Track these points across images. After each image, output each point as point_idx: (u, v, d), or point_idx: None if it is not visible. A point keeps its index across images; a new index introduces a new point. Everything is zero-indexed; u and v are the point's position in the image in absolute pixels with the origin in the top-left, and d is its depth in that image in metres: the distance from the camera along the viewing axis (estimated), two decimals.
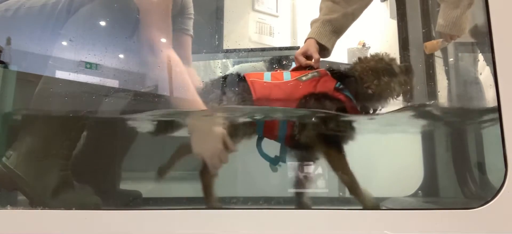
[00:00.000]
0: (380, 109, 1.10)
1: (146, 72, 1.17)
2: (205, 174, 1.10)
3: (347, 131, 1.11)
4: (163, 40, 1.12)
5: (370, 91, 1.05)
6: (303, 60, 1.17)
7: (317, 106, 1.06)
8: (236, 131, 1.11)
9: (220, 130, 1.08)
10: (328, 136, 1.10)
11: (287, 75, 1.12)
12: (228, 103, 1.10)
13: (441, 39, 1.21)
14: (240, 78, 1.11)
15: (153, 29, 1.11)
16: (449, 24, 1.15)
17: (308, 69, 1.15)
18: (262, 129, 1.13)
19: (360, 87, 1.06)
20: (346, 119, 1.10)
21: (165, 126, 1.24)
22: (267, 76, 1.12)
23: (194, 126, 1.13)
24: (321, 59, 1.20)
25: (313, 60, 1.16)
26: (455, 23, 1.14)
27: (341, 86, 1.07)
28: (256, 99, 1.06)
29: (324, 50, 1.20)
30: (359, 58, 1.12)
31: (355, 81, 1.07)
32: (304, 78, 1.10)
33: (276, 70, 1.48)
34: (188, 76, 1.11)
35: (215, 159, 1.07)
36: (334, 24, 1.19)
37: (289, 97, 1.07)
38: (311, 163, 1.22)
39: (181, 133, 1.25)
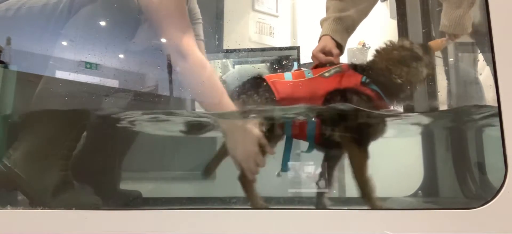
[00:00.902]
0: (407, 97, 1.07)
1: (176, 77, 1.13)
2: (244, 178, 1.07)
3: (379, 126, 1.07)
4: (189, 40, 1.04)
5: (399, 80, 1.01)
6: (322, 56, 1.13)
7: (344, 102, 1.03)
8: (264, 134, 1.08)
9: (255, 131, 1.02)
10: (358, 134, 1.06)
11: (308, 74, 1.09)
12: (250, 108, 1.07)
13: (445, 38, 1.21)
14: (260, 81, 1.08)
15: (175, 31, 1.04)
16: (452, 24, 1.14)
17: (328, 66, 1.11)
18: (291, 129, 1.11)
19: (387, 79, 1.03)
20: (376, 114, 1.06)
21: (196, 127, 1.23)
22: (288, 76, 1.10)
23: (228, 128, 1.07)
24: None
25: (333, 56, 1.13)
26: (458, 23, 1.14)
27: (367, 80, 1.03)
28: (279, 99, 1.04)
29: (337, 48, 1.19)
30: (377, 51, 1.08)
31: (381, 73, 1.04)
32: (327, 74, 1.06)
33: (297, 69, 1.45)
34: (217, 77, 1.06)
35: (250, 163, 1.02)
36: (345, 22, 1.18)
37: (314, 94, 1.04)
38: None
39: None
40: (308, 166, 1.40)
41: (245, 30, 2.11)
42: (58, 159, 1.08)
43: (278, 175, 1.12)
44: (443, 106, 1.33)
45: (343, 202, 1.38)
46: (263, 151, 1.02)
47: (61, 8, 1.11)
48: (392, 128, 1.20)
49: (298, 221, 0.79)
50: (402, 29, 1.53)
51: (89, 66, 1.10)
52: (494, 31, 0.77)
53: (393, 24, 1.61)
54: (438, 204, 1.51)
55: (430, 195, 1.46)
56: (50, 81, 1.10)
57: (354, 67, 1.08)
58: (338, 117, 1.06)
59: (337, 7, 1.20)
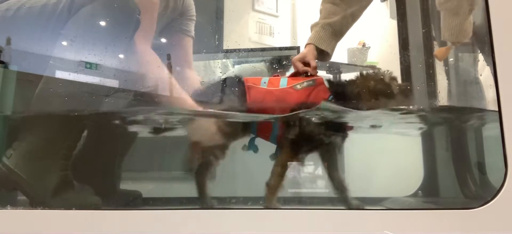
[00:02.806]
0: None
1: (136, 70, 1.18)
2: (200, 174, 1.13)
3: (338, 136, 1.13)
4: (141, 37, 1.12)
5: (365, 108, 1.06)
6: (300, 66, 1.16)
7: (307, 116, 1.08)
8: (232, 129, 1.14)
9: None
10: (319, 139, 1.12)
11: (283, 81, 1.12)
12: (225, 104, 1.12)
13: (448, 46, 1.21)
14: (239, 82, 1.13)
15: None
16: (453, 33, 1.14)
17: (305, 76, 1.15)
18: (256, 129, 1.14)
19: (355, 102, 1.07)
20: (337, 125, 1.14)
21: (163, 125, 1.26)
22: (264, 81, 1.13)
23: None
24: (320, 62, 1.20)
25: (310, 67, 1.15)
26: (459, 31, 1.13)
27: (333, 100, 1.07)
28: (250, 103, 1.08)
29: (324, 54, 1.20)
30: (361, 74, 1.12)
31: (349, 96, 1.08)
32: (298, 86, 1.10)
33: (277, 73, 1.49)
34: (168, 75, 1.14)
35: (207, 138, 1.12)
36: (334, 27, 1.19)
37: (282, 104, 1.08)
38: (303, 164, 1.23)
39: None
40: (308, 166, 1.40)
41: (245, 30, 2.11)
42: (58, 159, 1.08)
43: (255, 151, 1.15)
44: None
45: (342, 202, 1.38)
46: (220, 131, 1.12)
47: (61, 8, 1.11)
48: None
49: (298, 221, 0.79)
50: (402, 29, 1.53)
51: (89, 66, 1.10)
52: (494, 32, 0.77)
53: (393, 24, 1.61)
54: (438, 204, 1.51)
55: (430, 195, 1.46)
56: (50, 81, 1.10)
57: (328, 83, 1.12)
58: (301, 124, 1.12)
59: (329, 11, 1.20)
